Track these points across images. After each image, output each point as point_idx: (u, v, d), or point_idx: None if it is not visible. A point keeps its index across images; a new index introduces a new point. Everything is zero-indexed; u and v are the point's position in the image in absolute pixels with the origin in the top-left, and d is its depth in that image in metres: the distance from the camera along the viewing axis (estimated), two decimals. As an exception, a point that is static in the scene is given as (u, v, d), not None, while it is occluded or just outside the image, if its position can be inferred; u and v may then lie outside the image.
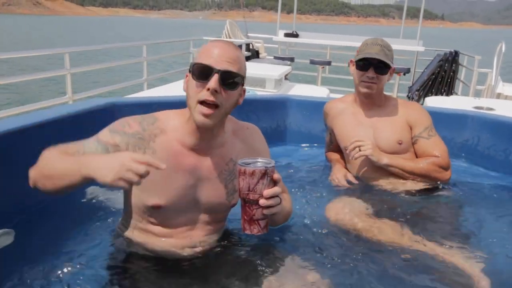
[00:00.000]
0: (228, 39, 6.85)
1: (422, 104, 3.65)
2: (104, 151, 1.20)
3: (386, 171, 1.94)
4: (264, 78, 3.41)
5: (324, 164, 2.29)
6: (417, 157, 1.99)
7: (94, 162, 1.06)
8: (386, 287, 1.32)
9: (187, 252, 1.33)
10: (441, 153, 1.95)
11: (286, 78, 4.26)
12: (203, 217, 1.34)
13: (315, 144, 2.63)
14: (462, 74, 6.19)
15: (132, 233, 1.33)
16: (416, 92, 6.41)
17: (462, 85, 6.12)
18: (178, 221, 1.30)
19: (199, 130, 1.23)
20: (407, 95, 6.76)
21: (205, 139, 1.26)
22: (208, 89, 1.14)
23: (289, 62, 5.61)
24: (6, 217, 1.53)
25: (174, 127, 1.26)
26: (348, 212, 1.70)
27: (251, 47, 6.75)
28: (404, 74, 6.13)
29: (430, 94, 6.15)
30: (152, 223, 1.30)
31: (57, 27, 54.11)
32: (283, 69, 3.69)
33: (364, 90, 1.98)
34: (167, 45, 5.82)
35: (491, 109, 3.00)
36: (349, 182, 2.02)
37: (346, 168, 2.11)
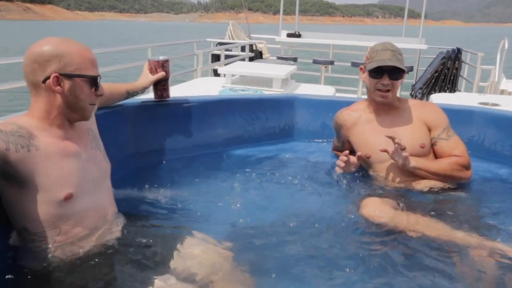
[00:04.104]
0: (232, 40, 6.89)
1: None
2: None
3: (410, 173, 1.92)
4: (271, 78, 3.43)
5: (333, 161, 2.30)
6: (437, 157, 1.98)
7: None
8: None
9: (109, 237, 1.39)
10: (462, 153, 1.94)
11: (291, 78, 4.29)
12: (104, 196, 1.44)
13: (324, 142, 2.65)
14: (465, 71, 6.21)
15: (53, 245, 1.29)
16: (420, 90, 6.44)
17: (465, 82, 6.14)
18: (89, 209, 1.35)
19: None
20: (410, 93, 6.79)
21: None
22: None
23: (292, 62, 5.64)
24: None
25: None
26: (387, 207, 1.68)
27: (254, 48, 6.79)
28: (407, 72, 6.15)
29: (433, 92, 6.17)
30: (68, 224, 1.30)
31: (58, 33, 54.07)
32: (289, 68, 3.71)
33: (379, 99, 1.96)
34: (171, 47, 5.82)
35: (496, 104, 3.03)
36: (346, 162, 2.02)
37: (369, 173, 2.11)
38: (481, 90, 5.41)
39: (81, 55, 1.30)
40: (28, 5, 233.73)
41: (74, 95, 1.30)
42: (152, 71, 2.09)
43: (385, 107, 2.03)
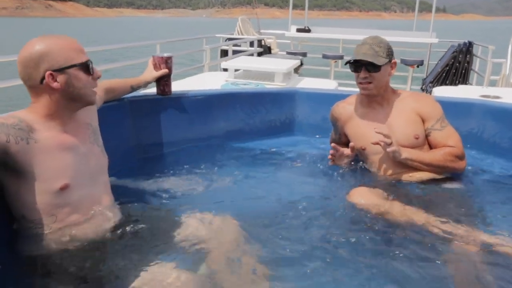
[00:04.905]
0: (241, 36, 6.93)
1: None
2: None
3: (404, 164, 1.94)
4: (273, 72, 3.46)
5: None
6: (431, 148, 1.99)
7: None
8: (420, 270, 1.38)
9: (105, 225, 1.44)
10: (456, 143, 1.95)
11: (296, 72, 4.31)
12: (101, 188, 1.49)
13: (323, 135, 2.67)
14: (476, 64, 6.12)
15: (49, 232, 1.35)
16: (430, 84, 6.37)
17: (476, 76, 6.06)
18: (85, 199, 1.41)
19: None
20: (421, 87, 6.73)
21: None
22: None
23: (300, 57, 5.65)
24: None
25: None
26: (374, 196, 1.73)
27: (263, 43, 6.82)
28: (418, 67, 6.10)
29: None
30: (64, 212, 1.36)
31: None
32: (292, 63, 3.73)
33: (362, 92, 2.01)
34: (180, 42, 5.87)
35: (497, 97, 3.00)
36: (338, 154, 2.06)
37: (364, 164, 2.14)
38: (492, 84, 5.33)
39: (65, 47, 1.35)
40: (50, 2, 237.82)
41: (72, 86, 1.36)
42: (156, 66, 2.19)
43: (377, 99, 2.05)
